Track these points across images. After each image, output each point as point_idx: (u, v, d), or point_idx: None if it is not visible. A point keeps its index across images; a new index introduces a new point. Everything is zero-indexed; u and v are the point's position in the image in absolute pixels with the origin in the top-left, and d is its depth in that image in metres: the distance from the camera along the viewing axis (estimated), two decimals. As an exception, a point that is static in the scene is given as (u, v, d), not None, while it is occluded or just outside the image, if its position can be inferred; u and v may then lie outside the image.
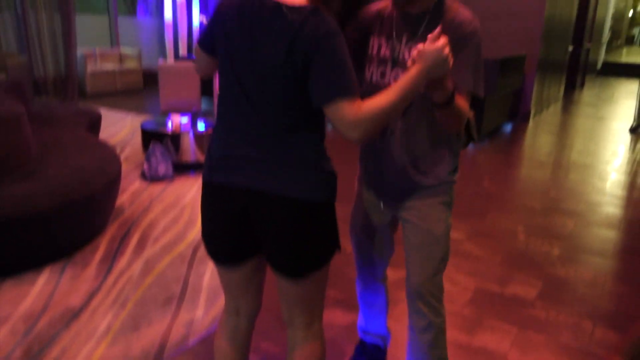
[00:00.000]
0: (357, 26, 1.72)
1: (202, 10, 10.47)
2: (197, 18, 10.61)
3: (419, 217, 1.73)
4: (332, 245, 1.51)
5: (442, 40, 1.32)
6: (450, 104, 1.44)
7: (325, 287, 1.58)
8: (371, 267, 2.00)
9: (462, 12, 1.57)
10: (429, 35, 1.35)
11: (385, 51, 1.64)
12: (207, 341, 2.31)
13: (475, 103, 1.77)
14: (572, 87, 11.37)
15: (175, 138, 4.61)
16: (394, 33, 1.62)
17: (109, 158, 3.57)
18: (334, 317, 2.54)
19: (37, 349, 2.22)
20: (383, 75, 1.65)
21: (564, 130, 7.57)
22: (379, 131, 1.51)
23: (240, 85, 1.39)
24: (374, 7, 1.72)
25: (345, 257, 3.15)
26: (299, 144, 1.39)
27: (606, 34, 15.47)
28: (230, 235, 1.50)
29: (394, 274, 2.24)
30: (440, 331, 1.81)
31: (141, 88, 9.66)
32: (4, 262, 2.81)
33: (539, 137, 6.97)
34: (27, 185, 2.96)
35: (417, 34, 1.58)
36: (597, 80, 13.48)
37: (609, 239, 3.61)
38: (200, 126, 4.80)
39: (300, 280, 1.49)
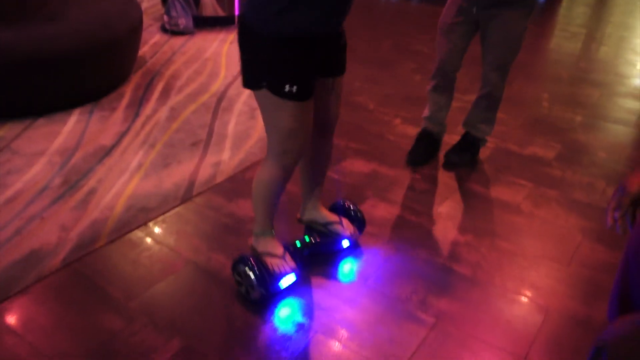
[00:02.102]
0: None
1: None
2: None
3: (502, 22, 2.30)
4: (269, 80, 1.50)
5: None
6: None
7: (277, 123, 1.57)
8: (449, 60, 2.50)
9: None
10: None
11: None
12: (234, 179, 2.43)
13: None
14: (616, -42, 10.49)
15: (195, -10, 4.44)
16: None
17: (130, 4, 3.48)
18: (356, 165, 2.62)
19: (75, 179, 2.35)
20: None
21: (601, 3, 7.13)
22: None
23: None
24: None
25: (367, 114, 3.19)
26: None
27: None
28: None
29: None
30: (493, 104, 2.55)
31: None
32: (35, 101, 2.87)
33: (574, 8, 6.60)
34: (51, 27, 2.93)
35: None
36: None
37: (634, 109, 3.56)
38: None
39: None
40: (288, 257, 1.79)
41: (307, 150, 1.79)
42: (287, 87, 1.50)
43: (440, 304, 1.79)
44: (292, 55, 1.49)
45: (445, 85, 2.59)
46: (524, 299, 1.85)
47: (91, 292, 1.77)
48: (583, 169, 2.74)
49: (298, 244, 1.94)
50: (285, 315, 1.72)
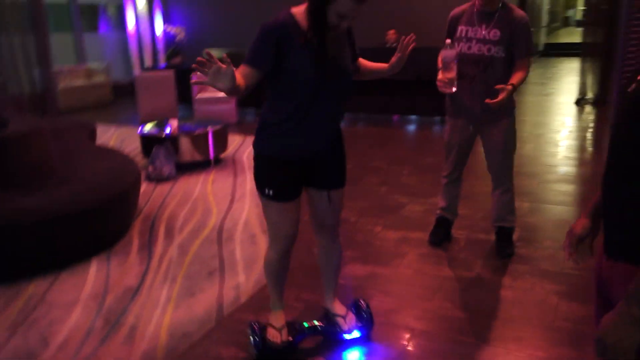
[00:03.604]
0: (449, 22, 2.97)
1: (165, 20, 10.72)
2: (160, 28, 10.84)
3: (498, 132, 2.96)
4: (257, 184, 2.10)
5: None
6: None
7: (266, 216, 2.13)
8: (454, 166, 3.19)
9: (516, 11, 2.81)
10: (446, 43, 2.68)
11: (471, 33, 2.84)
12: (255, 296, 2.75)
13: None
14: (518, 68, 12.16)
15: (174, 140, 4.98)
16: (476, 22, 2.84)
17: (126, 160, 3.93)
18: (355, 270, 3.02)
19: (114, 319, 2.61)
20: (469, 48, 2.84)
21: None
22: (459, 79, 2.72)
23: None
24: (459, 9, 2.96)
25: (351, 226, 3.65)
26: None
27: (545, 17, 16.52)
28: None
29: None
30: (512, 195, 3.15)
31: (111, 101, 9.86)
32: (56, 256, 3.15)
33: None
34: (64, 189, 3.31)
35: (490, 24, 2.80)
36: (540, 61, 14.44)
37: (568, 191, 4.23)
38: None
39: None
40: (285, 331, 2.25)
41: (320, 247, 2.31)
42: (266, 190, 2.06)
43: (461, 369, 2.14)
44: (272, 168, 2.05)
45: (455, 180, 3.25)
46: (522, 354, 2.22)
47: (162, 410, 1.99)
48: (541, 244, 3.26)
49: (305, 324, 2.35)
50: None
